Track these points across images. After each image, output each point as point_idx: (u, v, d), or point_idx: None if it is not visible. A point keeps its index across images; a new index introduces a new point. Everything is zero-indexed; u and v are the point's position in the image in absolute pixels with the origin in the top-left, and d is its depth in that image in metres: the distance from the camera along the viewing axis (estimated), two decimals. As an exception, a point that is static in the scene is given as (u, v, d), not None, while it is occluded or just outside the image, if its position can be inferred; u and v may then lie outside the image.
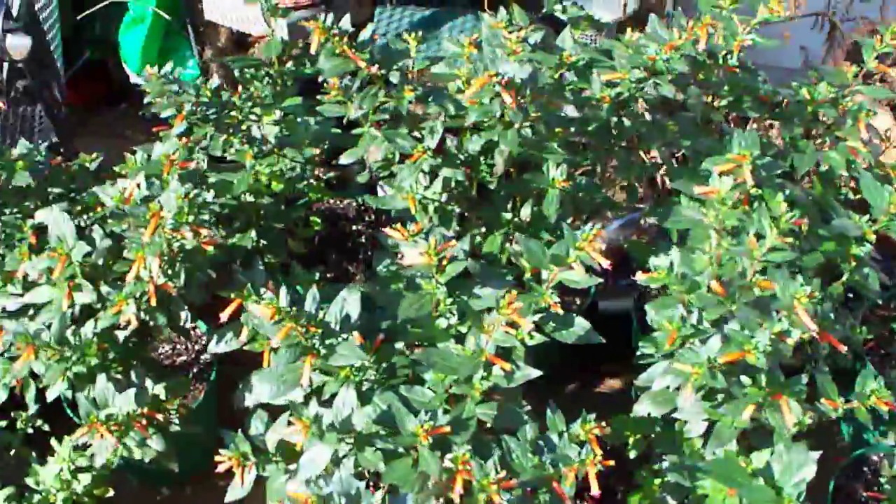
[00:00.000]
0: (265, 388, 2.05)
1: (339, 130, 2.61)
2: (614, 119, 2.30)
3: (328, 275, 2.95)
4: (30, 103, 2.86)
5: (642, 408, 2.17)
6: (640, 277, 2.07)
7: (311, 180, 2.70)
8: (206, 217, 2.03)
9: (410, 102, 2.13)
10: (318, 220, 2.88)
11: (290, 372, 2.02)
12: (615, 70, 2.32)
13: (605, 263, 2.06)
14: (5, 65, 2.75)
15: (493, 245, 2.45)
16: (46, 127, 2.77)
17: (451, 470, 1.93)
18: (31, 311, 2.31)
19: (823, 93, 2.44)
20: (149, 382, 2.22)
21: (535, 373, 2.01)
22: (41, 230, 2.23)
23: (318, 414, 1.98)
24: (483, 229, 2.49)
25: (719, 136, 2.57)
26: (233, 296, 2.09)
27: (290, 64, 2.63)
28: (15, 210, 2.25)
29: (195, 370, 2.74)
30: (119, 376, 2.24)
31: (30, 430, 2.55)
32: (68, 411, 2.54)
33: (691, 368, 1.85)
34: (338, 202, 3.12)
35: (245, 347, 2.17)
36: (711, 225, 2.13)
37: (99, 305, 2.12)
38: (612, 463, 1.97)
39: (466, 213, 2.47)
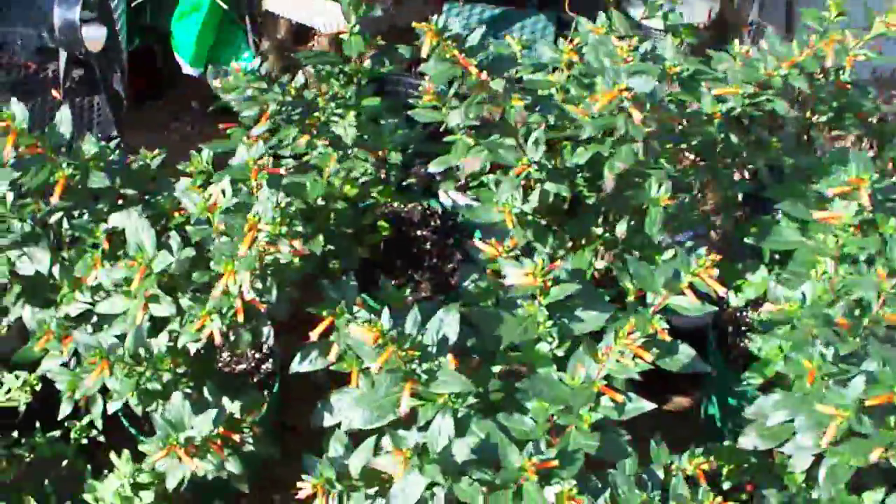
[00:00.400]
0: (357, 413, 1.93)
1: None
2: (721, 135, 2.17)
3: (393, 282, 2.82)
4: (86, 94, 2.72)
5: (748, 441, 2.05)
6: (766, 309, 1.93)
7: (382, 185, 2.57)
8: (300, 228, 1.90)
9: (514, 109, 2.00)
10: (386, 226, 2.75)
11: (386, 397, 1.90)
12: (721, 82, 2.20)
13: (722, 291, 1.94)
14: (63, 54, 2.61)
15: (581, 261, 2.33)
16: (105, 120, 2.63)
17: (557, 505, 1.82)
18: (93, 318, 2.20)
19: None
20: (225, 400, 2.09)
21: (649, 405, 1.89)
22: (112, 233, 2.10)
23: (418, 444, 1.86)
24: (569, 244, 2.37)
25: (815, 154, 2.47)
26: (325, 313, 1.97)
27: (367, 62, 2.50)
28: (85, 212, 2.10)
29: (255, 380, 2.61)
30: (190, 391, 2.11)
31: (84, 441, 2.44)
32: (124, 421, 2.42)
33: (835, 410, 1.73)
34: (401, 206, 2.98)
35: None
36: (828, 251, 2.01)
37: (178, 318, 1.99)
38: (729, 505, 1.86)
39: (555, 228, 2.34)
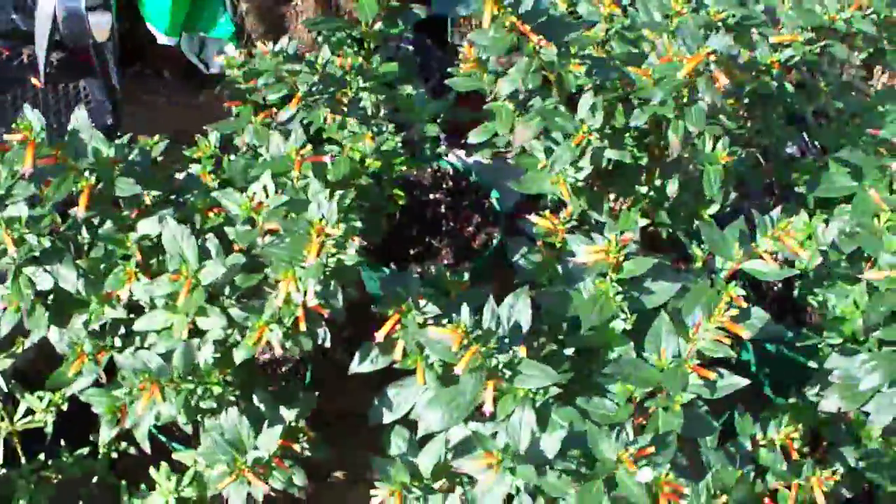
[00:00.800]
0: (435, 415, 1.81)
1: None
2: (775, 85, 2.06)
3: (412, 251, 2.69)
4: (69, 79, 2.48)
5: (831, 404, 1.99)
6: (871, 276, 1.84)
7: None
8: (359, 223, 1.75)
9: (572, 75, 1.86)
10: (402, 194, 2.60)
11: (462, 396, 1.78)
12: (766, 27, 2.08)
13: (805, 254, 1.85)
14: (41, 37, 2.37)
15: (628, 223, 2.22)
16: (98, 107, 2.40)
17: (654, 492, 1.74)
18: (121, 330, 2.03)
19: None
20: (282, 409, 1.95)
21: (742, 381, 1.80)
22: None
23: (507, 445, 1.75)
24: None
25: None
26: (391, 312, 1.83)
27: (379, 25, 2.32)
28: (107, 221, 1.91)
29: (284, 369, 2.48)
30: (238, 400, 1.97)
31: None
32: (156, 433, 2.27)
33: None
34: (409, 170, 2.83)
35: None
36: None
37: (230, 331, 1.84)
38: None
39: (596, 188, 2.22)
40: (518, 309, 1.85)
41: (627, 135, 2.08)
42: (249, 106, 2.34)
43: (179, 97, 3.31)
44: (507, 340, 1.81)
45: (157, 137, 2.21)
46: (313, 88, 2.00)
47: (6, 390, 2.19)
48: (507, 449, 1.76)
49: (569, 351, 1.98)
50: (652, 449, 1.76)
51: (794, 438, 1.92)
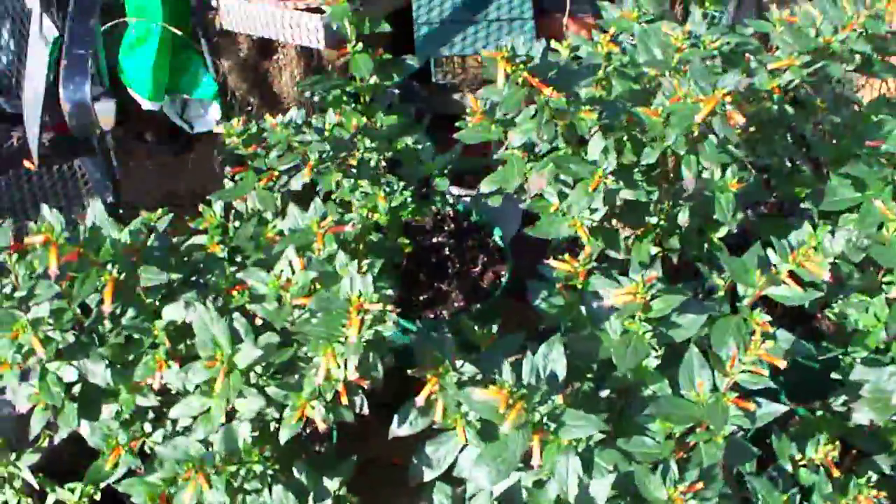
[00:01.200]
0: (482, 472, 1.81)
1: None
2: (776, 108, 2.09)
3: (422, 297, 2.69)
4: (65, 159, 2.46)
5: (863, 416, 2.02)
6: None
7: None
8: (391, 292, 1.75)
9: (584, 122, 1.87)
10: (407, 241, 2.60)
11: (509, 451, 1.78)
12: (759, 53, 2.12)
13: (826, 276, 1.88)
14: (32, 119, 2.35)
15: (642, 253, 2.24)
16: (98, 185, 2.38)
17: (705, 528, 1.76)
18: (150, 415, 2.02)
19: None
20: (326, 481, 1.94)
21: (781, 408, 1.82)
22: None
23: (558, 496, 1.76)
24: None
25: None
26: (429, 375, 1.83)
27: (374, 78, 2.32)
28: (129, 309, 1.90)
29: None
30: (279, 474, 1.96)
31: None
32: None
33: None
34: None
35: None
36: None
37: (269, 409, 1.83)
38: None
39: (608, 225, 2.24)
40: (553, 358, 1.86)
41: (636, 170, 2.10)
42: (252, 172, 2.33)
43: (165, 159, 3.28)
44: (545, 390, 1.82)
45: (159, 211, 2.19)
46: (323, 155, 1.99)
47: (36, 486, 2.16)
48: (558, 500, 1.76)
49: (604, 393, 1.99)
50: (700, 484, 1.79)
51: (833, 457, 1.94)
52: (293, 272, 1.82)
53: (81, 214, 2.41)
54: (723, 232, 2.27)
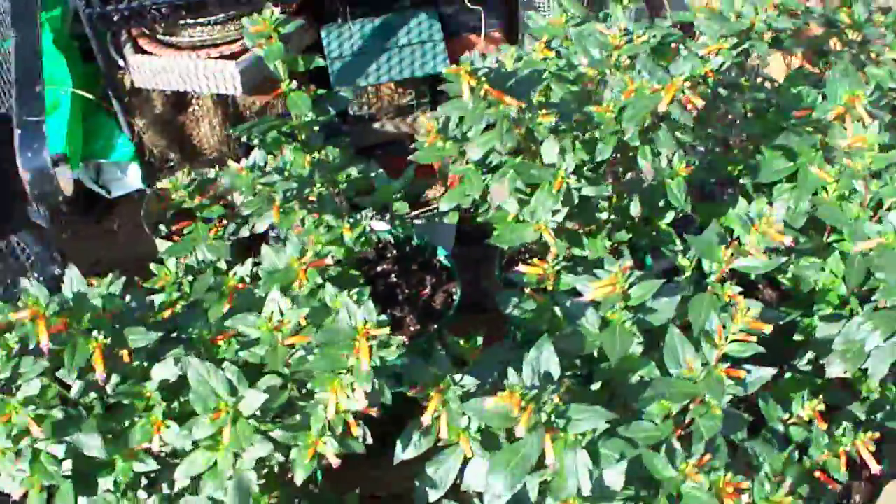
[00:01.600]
0: (499, 481, 1.82)
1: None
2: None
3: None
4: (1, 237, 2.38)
5: (836, 369, 2.12)
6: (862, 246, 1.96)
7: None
8: (385, 317, 1.75)
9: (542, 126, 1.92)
10: (359, 273, 2.60)
11: (523, 455, 1.81)
12: (689, 41, 2.22)
13: (788, 241, 1.97)
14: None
15: (598, 248, 2.30)
16: (41, 257, 2.31)
17: (719, 496, 1.82)
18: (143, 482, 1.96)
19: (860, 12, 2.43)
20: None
21: (770, 371, 1.90)
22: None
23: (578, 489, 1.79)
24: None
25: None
26: (431, 393, 1.84)
27: (310, 115, 2.33)
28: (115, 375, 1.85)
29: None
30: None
31: None
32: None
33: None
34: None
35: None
36: (859, 173, 2.08)
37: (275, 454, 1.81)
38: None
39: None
40: (545, 358, 1.90)
41: (585, 168, 2.16)
42: (201, 223, 2.31)
43: (87, 229, 3.19)
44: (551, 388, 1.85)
45: (110, 277, 2.14)
46: (287, 194, 1.99)
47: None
48: (579, 492, 1.80)
49: (594, 386, 2.03)
50: (708, 456, 1.85)
51: (820, 410, 2.03)
52: (282, 313, 1.81)
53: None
54: (669, 218, 2.36)
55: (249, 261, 2.17)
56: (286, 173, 2.00)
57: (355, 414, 1.76)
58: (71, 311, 1.69)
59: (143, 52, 2.87)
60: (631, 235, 2.37)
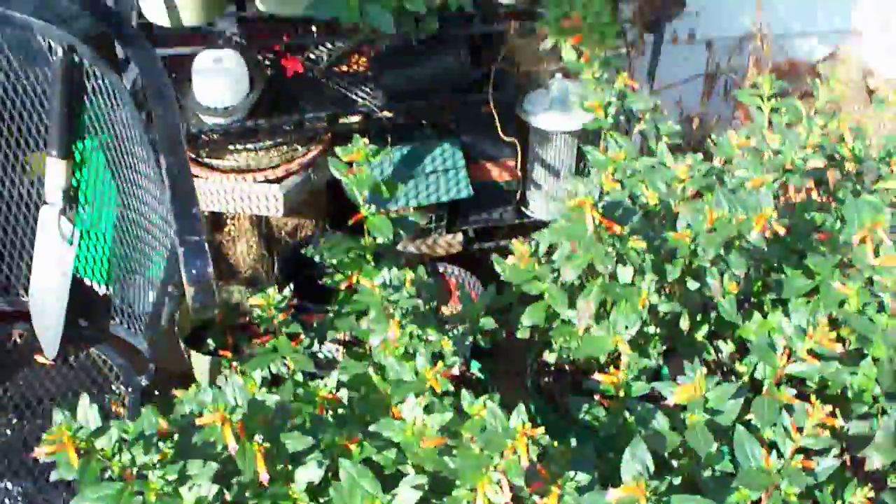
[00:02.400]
0: None
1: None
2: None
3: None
4: (80, 348, 2.44)
5: (875, 462, 2.39)
6: None
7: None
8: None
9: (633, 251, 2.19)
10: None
11: None
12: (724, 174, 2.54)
13: (840, 350, 2.26)
14: (40, 309, 2.37)
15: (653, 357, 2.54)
16: (125, 369, 2.39)
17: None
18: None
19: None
20: None
21: (835, 462, 2.16)
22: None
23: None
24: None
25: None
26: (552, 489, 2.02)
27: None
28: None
29: None
30: None
31: None
32: None
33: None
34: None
35: None
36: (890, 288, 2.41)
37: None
38: None
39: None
40: (640, 456, 2.12)
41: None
42: (284, 337, 2.45)
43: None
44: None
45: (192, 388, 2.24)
46: (406, 310, 2.17)
47: None
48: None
49: (675, 481, 2.25)
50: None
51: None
52: (423, 419, 1.97)
53: (114, 402, 2.42)
54: (705, 330, 2.64)
55: (334, 373, 2.31)
56: (405, 291, 2.18)
57: (499, 508, 1.92)
58: (247, 415, 1.81)
59: (188, 174, 3.01)
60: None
